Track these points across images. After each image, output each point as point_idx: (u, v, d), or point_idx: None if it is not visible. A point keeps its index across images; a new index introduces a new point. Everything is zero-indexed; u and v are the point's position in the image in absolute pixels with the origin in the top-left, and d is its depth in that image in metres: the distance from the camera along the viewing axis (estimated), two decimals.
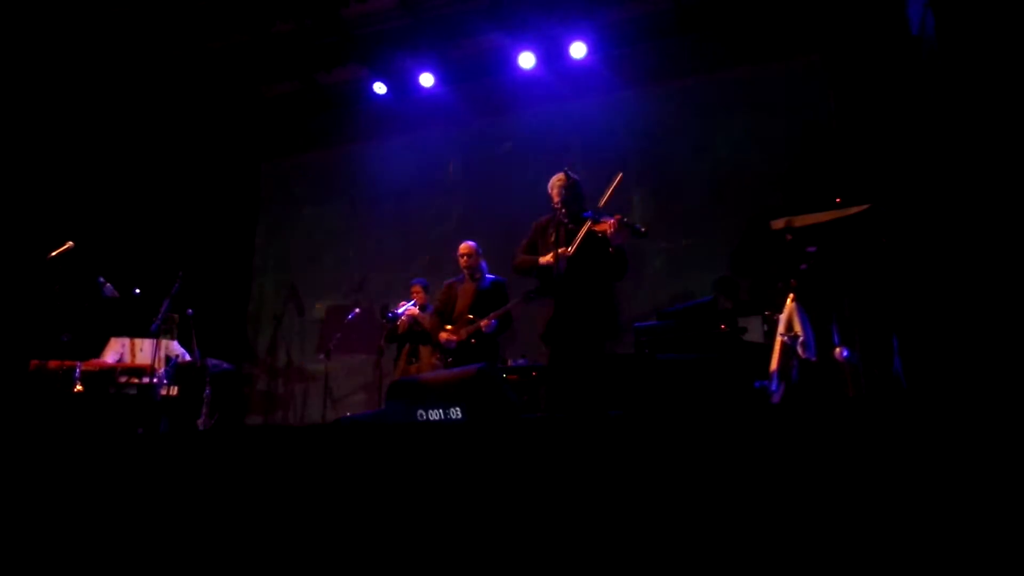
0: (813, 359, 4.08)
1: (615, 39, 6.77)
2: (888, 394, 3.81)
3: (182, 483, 2.49)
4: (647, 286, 6.28)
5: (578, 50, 6.68)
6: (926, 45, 4.57)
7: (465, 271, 5.36)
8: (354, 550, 2.12)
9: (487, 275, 5.38)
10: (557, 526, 1.89)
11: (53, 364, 5.12)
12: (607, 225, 3.90)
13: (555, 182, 4.22)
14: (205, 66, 7.26)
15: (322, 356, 6.69)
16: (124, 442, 2.83)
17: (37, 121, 6.78)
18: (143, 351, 5.80)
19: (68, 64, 6.74)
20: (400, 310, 5.86)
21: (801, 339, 4.10)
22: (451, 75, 7.25)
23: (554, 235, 4.11)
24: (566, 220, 4.11)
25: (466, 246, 5.40)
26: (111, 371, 5.48)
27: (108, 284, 5.37)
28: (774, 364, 4.18)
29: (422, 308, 5.90)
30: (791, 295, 4.21)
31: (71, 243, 4.95)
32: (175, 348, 5.97)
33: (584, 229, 4.00)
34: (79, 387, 5.14)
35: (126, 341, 5.81)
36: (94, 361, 5.51)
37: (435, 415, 3.53)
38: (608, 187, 4.07)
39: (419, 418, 3.57)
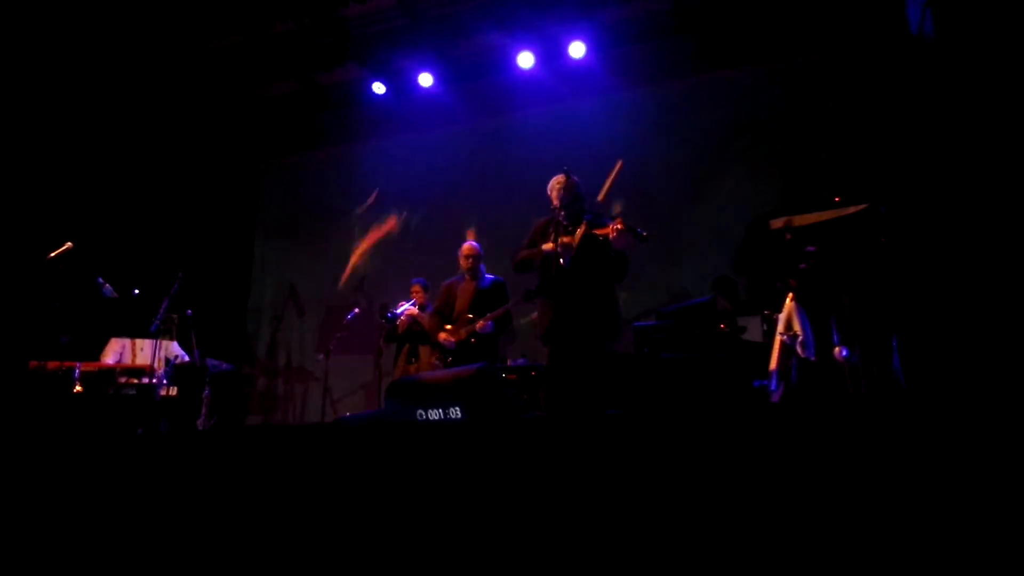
0: (812, 358, 4.08)
1: (614, 39, 6.77)
2: (887, 393, 3.81)
3: (182, 483, 2.49)
4: (646, 286, 6.28)
5: (577, 50, 6.68)
6: (925, 45, 4.57)
7: (466, 272, 5.36)
8: (354, 549, 2.12)
9: (486, 275, 5.39)
10: (557, 525, 1.89)
11: (52, 365, 5.11)
12: (609, 229, 3.91)
13: (554, 183, 4.22)
14: (204, 66, 7.25)
15: (321, 356, 6.69)
16: (123, 442, 2.83)
17: (36, 122, 6.78)
18: (143, 351, 5.80)
19: (67, 65, 6.73)
20: (399, 310, 5.86)
21: (800, 338, 4.10)
22: (450, 75, 7.25)
23: (553, 235, 4.11)
24: (565, 222, 4.12)
25: (469, 247, 5.40)
26: (110, 372, 5.48)
27: (107, 285, 5.36)
28: (773, 363, 4.19)
29: (421, 308, 5.90)
30: (790, 294, 4.21)
31: (70, 244, 4.95)
32: (175, 349, 5.96)
33: (581, 229, 4.00)
34: (78, 388, 5.14)
35: (127, 342, 5.81)
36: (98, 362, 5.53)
37: (434, 415, 3.52)
38: (608, 176, 4.07)
39: (418, 418, 3.57)
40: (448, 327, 5.22)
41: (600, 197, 4.30)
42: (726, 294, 5.74)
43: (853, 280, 4.20)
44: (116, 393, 5.39)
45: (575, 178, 4.19)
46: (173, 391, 5.73)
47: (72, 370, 5.16)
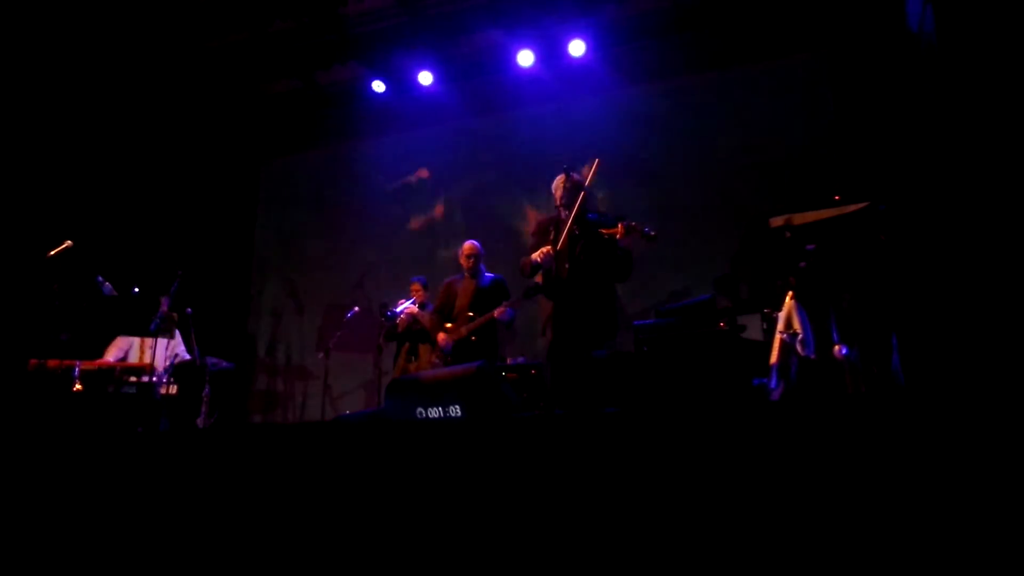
0: (812, 357, 4.08)
1: (614, 37, 6.76)
2: (887, 392, 3.81)
3: (182, 482, 2.49)
4: (646, 284, 6.28)
5: (577, 48, 6.67)
6: (924, 41, 4.56)
7: (467, 270, 5.36)
8: (353, 547, 2.12)
9: (486, 273, 5.39)
10: (556, 523, 1.89)
11: (52, 363, 5.12)
12: (617, 228, 3.94)
13: (558, 182, 4.25)
14: (204, 65, 7.25)
15: (321, 355, 6.69)
16: (123, 441, 2.83)
17: (36, 120, 6.77)
18: (151, 349, 5.82)
19: (67, 63, 6.73)
20: (399, 308, 5.86)
21: (800, 337, 4.10)
22: (450, 73, 7.24)
23: (553, 234, 4.12)
24: (568, 220, 4.13)
25: (470, 245, 5.40)
26: (110, 370, 5.48)
27: (107, 283, 5.37)
28: (773, 361, 4.18)
29: (421, 306, 5.89)
30: (790, 293, 4.21)
31: (70, 242, 4.95)
32: (180, 347, 5.99)
33: (567, 226, 4.02)
34: (78, 386, 5.14)
35: (135, 340, 5.80)
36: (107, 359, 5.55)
37: (434, 413, 3.53)
38: (588, 174, 4.10)
39: (418, 416, 3.57)
40: (448, 325, 5.22)
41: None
42: (726, 292, 5.74)
43: (853, 278, 4.20)
44: (116, 391, 5.39)
45: (577, 177, 4.19)
46: (173, 389, 5.73)
47: (72, 368, 5.16)
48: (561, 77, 7.00)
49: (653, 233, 3.94)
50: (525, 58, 6.82)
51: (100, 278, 5.36)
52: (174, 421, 5.55)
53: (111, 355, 5.81)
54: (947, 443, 1.64)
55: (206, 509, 2.38)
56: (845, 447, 1.72)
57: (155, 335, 5.43)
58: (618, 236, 3.93)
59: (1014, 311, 3.39)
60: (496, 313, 5.04)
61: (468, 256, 5.35)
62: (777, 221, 4.39)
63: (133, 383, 5.48)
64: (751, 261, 5.94)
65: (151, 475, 2.55)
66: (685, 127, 6.62)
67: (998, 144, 3.65)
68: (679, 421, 1.92)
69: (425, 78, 7.17)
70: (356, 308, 6.65)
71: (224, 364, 6.14)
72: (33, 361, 5.20)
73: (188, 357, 5.97)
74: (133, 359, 5.74)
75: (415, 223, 7.64)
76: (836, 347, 4.06)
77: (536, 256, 4.12)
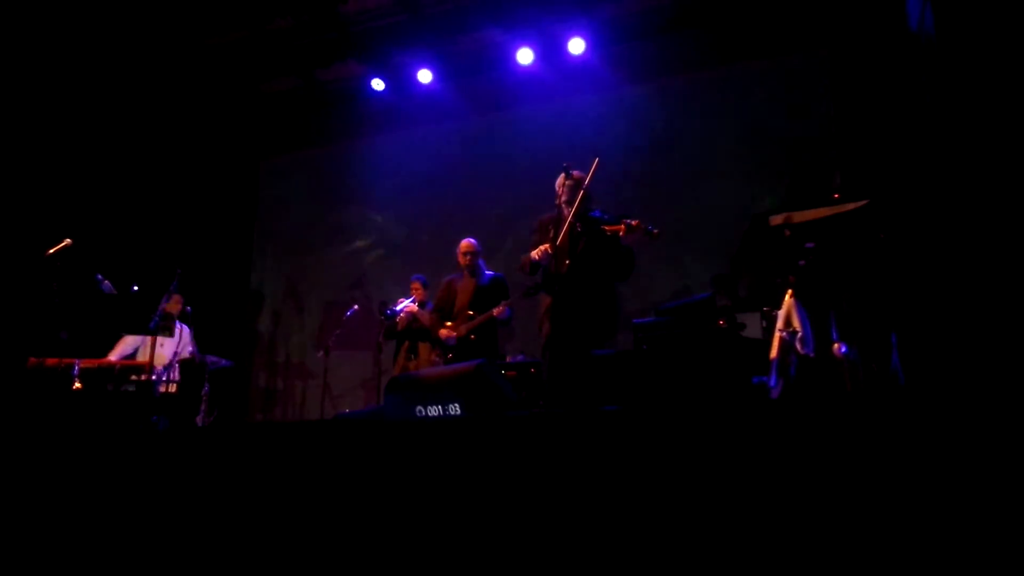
0: (811, 355, 4.08)
1: (614, 35, 6.76)
2: (886, 390, 3.82)
3: (181, 480, 2.49)
4: (645, 283, 6.28)
5: (576, 46, 6.67)
6: (924, 40, 4.56)
7: (465, 268, 5.36)
8: (353, 545, 2.12)
9: (486, 271, 5.39)
10: (556, 520, 1.89)
11: (51, 362, 5.11)
12: (619, 226, 3.94)
13: (560, 181, 4.25)
14: (203, 62, 7.24)
15: (321, 353, 6.69)
16: (122, 439, 2.83)
17: (35, 118, 6.76)
18: (163, 347, 5.83)
19: (66, 61, 6.72)
20: (399, 307, 5.86)
21: (799, 335, 4.10)
22: (449, 71, 7.23)
23: (553, 232, 4.12)
24: (571, 218, 4.14)
25: (467, 243, 5.40)
26: (110, 368, 5.48)
27: (106, 281, 5.36)
28: (772, 359, 4.18)
29: (421, 305, 5.89)
30: (789, 291, 4.21)
31: (69, 240, 4.95)
32: (192, 345, 6.02)
33: (568, 223, 4.02)
34: (77, 384, 5.14)
35: (145, 338, 5.79)
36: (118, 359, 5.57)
37: (434, 411, 3.53)
38: (588, 174, 4.11)
39: (418, 414, 3.57)
40: (448, 324, 5.22)
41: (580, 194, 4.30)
42: (725, 291, 5.74)
43: (852, 277, 4.20)
44: (115, 390, 5.39)
45: (575, 173, 4.19)
46: (172, 388, 5.73)
47: (71, 367, 5.16)
48: (560, 75, 7.00)
49: (656, 231, 3.95)
50: (524, 56, 6.81)
51: (99, 276, 5.36)
52: (173, 419, 5.55)
53: (118, 353, 5.82)
54: (946, 441, 1.65)
55: (205, 508, 2.38)
56: (844, 445, 1.72)
57: (155, 333, 5.42)
58: (621, 233, 3.94)
59: (1014, 310, 3.39)
60: (495, 312, 5.05)
61: (466, 254, 5.35)
62: (776, 219, 4.38)
63: (133, 381, 5.48)
64: (750, 259, 5.94)
65: (150, 473, 2.55)
66: (684, 125, 6.62)
67: (997, 143, 3.65)
68: (678, 419, 1.92)
69: (424, 76, 7.16)
70: (356, 306, 6.65)
71: (223, 362, 6.14)
72: (32, 359, 5.20)
73: (187, 354, 5.98)
74: (142, 357, 5.73)
75: (415, 221, 7.64)
76: (835, 345, 4.07)
77: (535, 254, 4.12)
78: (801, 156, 5.97)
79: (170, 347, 5.89)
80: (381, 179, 7.87)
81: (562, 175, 4.23)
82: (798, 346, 4.11)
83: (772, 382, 4.17)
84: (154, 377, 5.49)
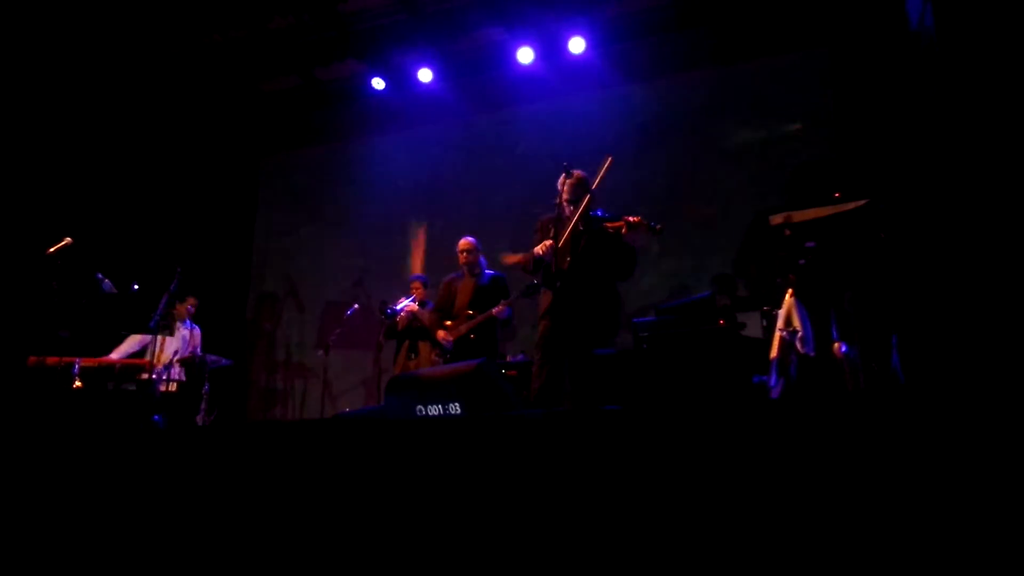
0: (812, 354, 4.09)
1: (614, 34, 6.75)
2: (886, 389, 3.82)
3: (181, 479, 2.49)
4: (645, 282, 6.29)
5: (577, 45, 6.67)
6: (924, 40, 4.56)
7: (464, 267, 5.36)
8: (353, 545, 2.12)
9: (486, 271, 5.39)
10: (557, 520, 1.89)
11: (52, 360, 5.12)
12: (622, 223, 3.94)
13: (561, 180, 4.24)
14: (203, 61, 7.24)
15: (321, 352, 6.69)
16: (122, 438, 2.83)
17: (35, 116, 6.76)
18: (168, 346, 5.83)
19: (66, 60, 6.72)
20: (399, 306, 5.86)
21: (800, 334, 4.11)
22: (449, 71, 7.23)
23: (554, 231, 4.12)
24: (574, 217, 4.14)
25: (466, 242, 5.40)
26: (110, 367, 5.48)
27: (107, 280, 5.36)
28: (773, 358, 4.19)
29: (421, 304, 5.89)
30: (790, 290, 4.21)
31: (69, 239, 4.95)
32: (198, 342, 6.04)
33: (572, 223, 4.02)
34: (78, 383, 5.14)
35: (150, 337, 5.80)
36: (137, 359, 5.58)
37: (434, 411, 3.53)
38: (598, 172, 4.10)
39: (418, 413, 3.57)
40: (448, 323, 5.22)
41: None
42: (726, 290, 5.74)
43: (853, 276, 4.20)
44: (116, 388, 5.39)
45: (575, 173, 4.19)
46: (172, 387, 5.73)
47: (72, 365, 5.16)
48: (561, 74, 6.99)
49: (659, 227, 3.95)
50: (525, 55, 6.81)
51: (100, 275, 5.36)
52: (173, 418, 5.55)
53: (123, 351, 5.82)
54: (946, 441, 1.65)
55: (205, 507, 2.38)
56: (844, 445, 1.72)
57: (155, 332, 5.43)
58: (623, 231, 3.94)
59: (1014, 309, 3.39)
60: (495, 311, 5.05)
61: (463, 252, 5.35)
62: (777, 219, 4.39)
63: (133, 380, 5.48)
64: (751, 259, 5.94)
65: (150, 472, 2.55)
66: (684, 124, 6.62)
67: (998, 142, 3.65)
68: (679, 419, 1.92)
69: (425, 75, 7.16)
70: (356, 305, 6.65)
71: (223, 361, 6.14)
72: (33, 358, 5.20)
73: (187, 352, 5.98)
74: (149, 356, 5.73)
75: (414, 220, 7.64)
76: (836, 345, 4.07)
77: (538, 249, 4.10)
78: (802, 155, 5.97)
79: (174, 346, 5.89)
80: (381, 178, 7.86)
81: (562, 175, 4.23)
82: (798, 345, 4.11)
83: (772, 381, 4.17)
84: (154, 376, 5.49)
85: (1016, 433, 1.58)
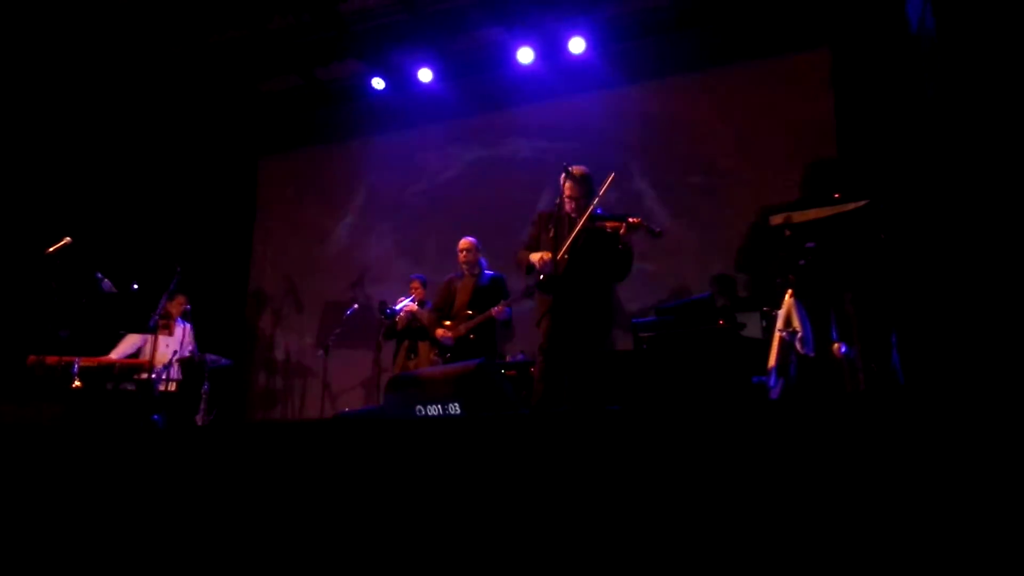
0: (811, 355, 4.08)
1: (614, 34, 6.75)
2: (886, 390, 3.82)
3: (181, 479, 2.49)
4: (645, 282, 6.28)
5: (577, 45, 6.66)
6: (925, 42, 4.56)
7: (464, 267, 5.36)
8: (352, 545, 2.12)
9: (486, 271, 5.39)
10: (556, 521, 1.89)
11: (51, 360, 5.12)
12: (620, 224, 3.93)
13: (562, 180, 4.23)
14: (202, 61, 7.23)
15: (320, 352, 6.69)
16: (122, 438, 2.83)
17: (34, 116, 6.76)
18: (167, 347, 5.83)
19: (65, 60, 6.72)
20: (398, 306, 5.85)
21: (799, 335, 4.10)
22: (449, 70, 7.23)
23: (553, 230, 4.12)
24: (574, 215, 4.14)
25: (466, 242, 5.40)
26: (110, 367, 5.48)
27: (106, 279, 5.36)
28: (772, 360, 4.19)
29: (421, 304, 5.89)
30: (789, 291, 4.21)
31: (69, 239, 4.95)
32: (192, 345, 6.02)
33: (574, 234, 4.02)
34: (77, 383, 5.14)
35: (148, 337, 5.80)
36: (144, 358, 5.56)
37: (433, 410, 3.53)
38: (601, 186, 4.10)
39: (417, 413, 3.57)
40: (447, 323, 5.22)
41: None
42: (725, 291, 5.74)
43: (852, 276, 4.20)
44: (115, 388, 5.39)
45: (575, 170, 4.17)
46: (172, 387, 5.73)
47: (71, 365, 5.16)
48: (561, 74, 6.99)
49: (658, 230, 3.95)
50: (525, 55, 6.81)
51: (99, 274, 5.36)
52: (173, 418, 5.55)
53: (120, 351, 5.81)
54: (946, 441, 1.65)
55: (205, 507, 2.38)
56: (844, 445, 1.72)
57: (154, 332, 5.42)
58: (621, 232, 3.93)
59: (1013, 309, 3.39)
60: (494, 312, 5.04)
61: (463, 251, 5.35)
62: (777, 219, 4.39)
63: (133, 380, 5.48)
64: (750, 259, 5.94)
65: (150, 472, 2.55)
66: (685, 124, 6.62)
67: (998, 142, 3.65)
68: (678, 419, 1.92)
69: (425, 75, 7.16)
70: (355, 305, 6.65)
71: (223, 361, 6.14)
72: (32, 358, 5.20)
73: (187, 353, 5.98)
74: (147, 355, 5.73)
75: (414, 220, 7.63)
76: (835, 345, 4.07)
77: (535, 261, 4.09)
78: (802, 155, 5.97)
79: (171, 346, 5.90)
80: (381, 178, 7.86)
81: (563, 174, 4.22)
82: (798, 346, 4.11)
83: (772, 382, 4.17)
84: (153, 376, 5.49)
85: (1016, 433, 1.58)
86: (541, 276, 4.06)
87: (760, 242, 5.77)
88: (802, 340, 4.10)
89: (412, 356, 5.81)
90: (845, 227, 4.17)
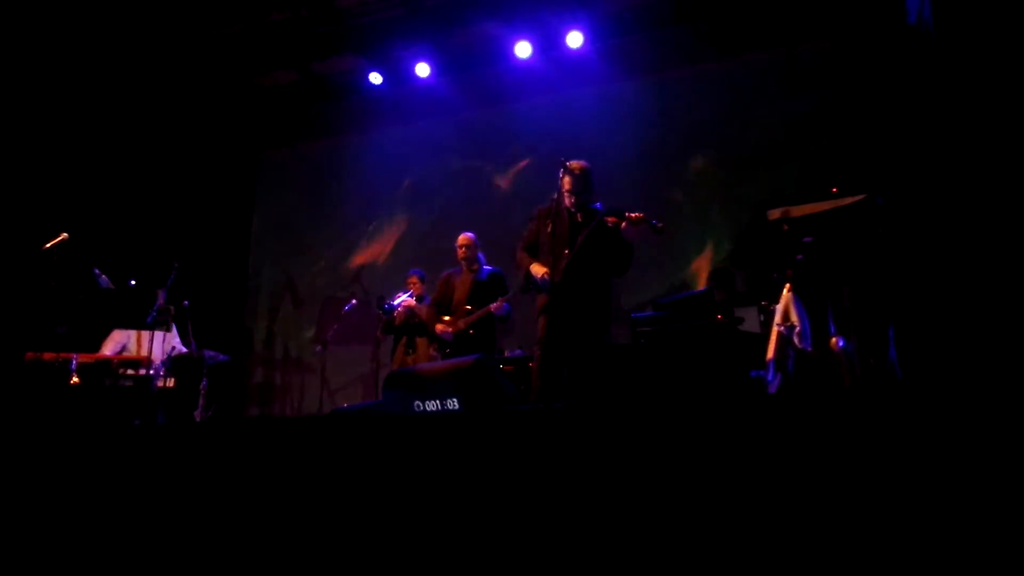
0: (809, 349, 4.08)
1: (612, 29, 6.74)
2: (884, 384, 3.82)
3: (179, 475, 2.49)
4: (644, 276, 6.28)
5: (575, 40, 6.65)
6: (923, 33, 4.55)
7: (463, 262, 5.35)
8: (351, 541, 2.12)
9: (485, 266, 5.38)
10: (554, 516, 1.90)
11: (49, 356, 5.11)
12: (622, 220, 3.93)
13: (561, 175, 4.22)
14: (200, 55, 7.21)
15: (319, 347, 6.68)
16: (120, 434, 2.83)
17: (31, 112, 6.74)
18: (163, 342, 5.81)
19: (62, 55, 6.69)
20: (396, 301, 5.84)
21: (797, 329, 4.10)
22: (447, 65, 7.21)
23: (551, 226, 4.11)
24: (573, 210, 4.14)
25: (464, 237, 5.39)
26: (107, 363, 5.47)
27: (104, 276, 5.35)
28: (770, 354, 4.18)
29: (419, 299, 5.88)
30: (787, 285, 4.21)
31: (66, 234, 4.94)
32: (176, 340, 5.97)
33: (581, 238, 4.02)
34: (75, 379, 5.13)
35: (132, 333, 5.78)
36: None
37: (432, 406, 3.53)
38: (584, 163, 4.12)
39: (416, 409, 3.57)
40: (446, 319, 5.21)
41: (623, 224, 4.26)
42: (723, 285, 5.74)
43: (851, 271, 4.20)
44: (113, 384, 5.38)
45: (573, 165, 4.16)
46: (170, 382, 5.72)
47: (69, 361, 5.15)
48: (559, 69, 6.98)
49: (660, 225, 3.95)
50: (523, 50, 6.79)
51: (97, 271, 5.35)
52: (171, 414, 5.55)
53: (108, 348, 5.79)
54: (943, 436, 1.65)
55: (203, 502, 2.38)
56: (842, 440, 1.72)
57: (152, 328, 5.41)
58: (622, 226, 3.94)
59: (1012, 304, 3.40)
60: (493, 307, 5.04)
61: (461, 247, 5.35)
62: (775, 213, 4.38)
63: (130, 376, 5.47)
64: (748, 254, 5.94)
65: (148, 468, 2.55)
66: (683, 119, 6.61)
67: (996, 137, 3.65)
68: (676, 414, 1.93)
69: (422, 70, 7.14)
70: (354, 301, 6.64)
71: (221, 357, 6.13)
72: (30, 354, 5.19)
73: (185, 350, 5.96)
74: (131, 352, 5.73)
75: (412, 215, 7.62)
76: (833, 340, 4.07)
77: (536, 272, 4.11)
78: (800, 150, 5.97)
79: (157, 343, 5.81)
80: (379, 173, 7.85)
81: (560, 170, 4.21)
82: (796, 340, 4.11)
83: (770, 376, 4.17)
84: (151, 372, 5.48)
85: (1013, 428, 1.58)
86: (539, 287, 4.10)
87: (758, 237, 5.77)
88: (800, 334, 4.10)
89: (410, 351, 5.81)
90: (843, 221, 4.16)
